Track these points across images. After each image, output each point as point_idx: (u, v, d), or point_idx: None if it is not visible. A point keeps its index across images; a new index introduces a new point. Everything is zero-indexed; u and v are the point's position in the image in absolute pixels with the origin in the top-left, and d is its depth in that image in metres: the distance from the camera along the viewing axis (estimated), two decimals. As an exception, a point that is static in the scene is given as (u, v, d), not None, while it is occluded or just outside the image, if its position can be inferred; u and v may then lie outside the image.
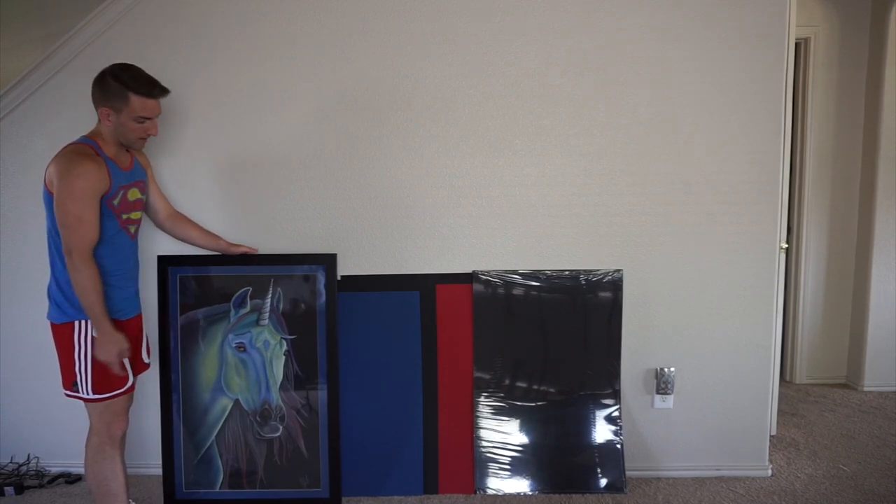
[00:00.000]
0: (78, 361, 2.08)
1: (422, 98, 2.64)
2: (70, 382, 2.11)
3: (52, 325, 2.12)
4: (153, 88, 2.11)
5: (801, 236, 3.93)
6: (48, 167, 2.05)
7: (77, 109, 2.63)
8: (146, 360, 2.37)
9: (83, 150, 2.06)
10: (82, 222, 2.00)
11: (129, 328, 2.22)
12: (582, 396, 2.71)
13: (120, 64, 2.14)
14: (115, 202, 2.10)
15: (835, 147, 3.86)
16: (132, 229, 2.23)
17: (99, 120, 2.12)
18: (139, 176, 2.26)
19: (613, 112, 2.64)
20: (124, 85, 2.06)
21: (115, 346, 2.06)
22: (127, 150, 2.22)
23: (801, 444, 3.12)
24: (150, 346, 2.42)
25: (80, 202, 1.99)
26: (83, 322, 2.08)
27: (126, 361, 2.17)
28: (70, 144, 2.10)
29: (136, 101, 2.07)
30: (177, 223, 2.50)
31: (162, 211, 2.46)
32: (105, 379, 2.11)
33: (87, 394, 2.10)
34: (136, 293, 2.29)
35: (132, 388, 2.20)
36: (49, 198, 2.05)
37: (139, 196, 2.25)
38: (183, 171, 2.67)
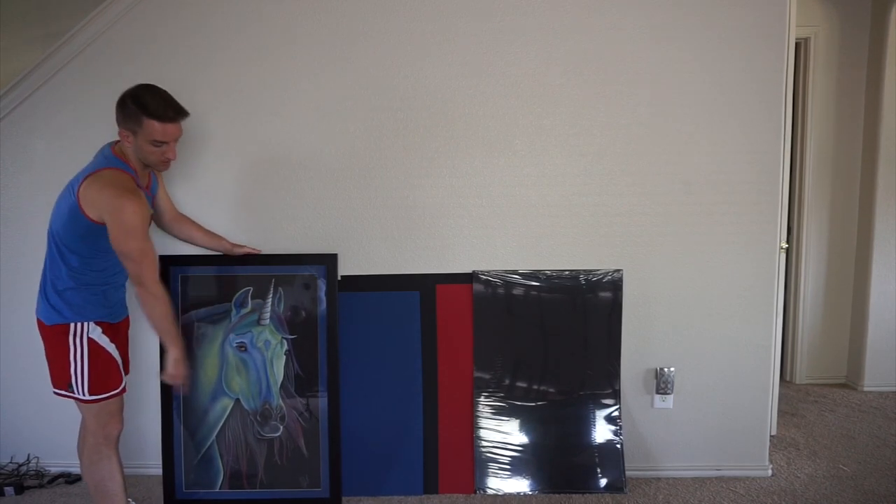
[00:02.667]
0: (74, 363, 2.07)
1: (422, 98, 2.64)
2: (64, 383, 2.10)
3: (42, 323, 2.11)
4: (167, 111, 2.06)
5: (801, 236, 3.93)
6: (86, 188, 1.97)
7: (77, 109, 2.64)
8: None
9: (127, 183, 2.03)
10: (146, 255, 2.04)
11: (122, 330, 2.25)
12: (582, 396, 2.71)
13: (143, 85, 2.10)
14: None
15: (835, 147, 3.86)
16: None
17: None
18: (154, 191, 2.31)
19: (613, 112, 2.64)
20: (139, 108, 2.03)
21: (186, 365, 2.19)
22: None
23: (801, 444, 3.12)
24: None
25: (140, 238, 2.01)
26: (79, 324, 2.08)
27: (121, 364, 2.18)
28: (110, 170, 2.04)
29: (150, 125, 2.03)
30: (180, 225, 2.51)
31: (167, 213, 2.46)
32: (101, 380, 2.10)
33: (84, 395, 2.09)
34: (124, 295, 2.30)
35: (125, 388, 2.21)
36: (74, 207, 1.99)
37: (151, 210, 2.27)
38: (183, 171, 2.67)
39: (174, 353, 2.16)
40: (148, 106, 2.03)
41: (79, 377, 2.08)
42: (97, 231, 2.00)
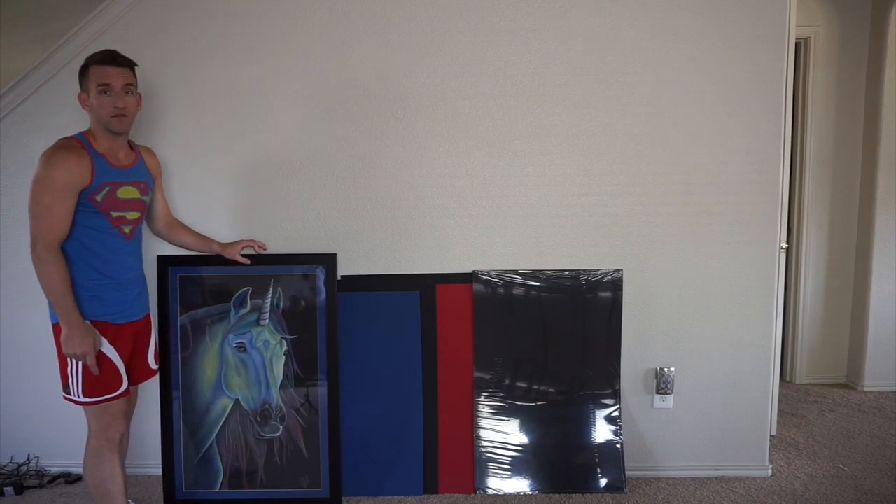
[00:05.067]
0: (70, 363, 2.05)
1: (422, 98, 2.64)
2: (64, 384, 2.09)
3: (52, 324, 2.10)
4: (108, 54, 2.09)
5: (801, 236, 3.93)
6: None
7: (77, 109, 2.62)
8: (153, 366, 2.34)
9: (68, 143, 2.06)
10: (52, 213, 1.98)
11: (126, 332, 2.17)
12: (582, 396, 2.71)
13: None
14: (99, 198, 2.04)
15: (835, 147, 3.86)
16: (126, 229, 2.15)
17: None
18: (140, 176, 2.20)
19: (613, 112, 2.64)
20: (86, 60, 2.09)
21: (83, 340, 2.01)
22: (132, 148, 2.21)
23: (801, 444, 3.12)
24: (158, 351, 2.39)
25: (53, 193, 1.97)
26: None
27: (121, 366, 2.13)
28: (59, 139, 2.10)
29: (95, 71, 2.06)
30: (173, 230, 2.48)
31: (161, 219, 2.44)
32: (95, 382, 2.07)
33: (78, 396, 2.07)
34: (139, 296, 2.24)
35: (128, 392, 2.17)
36: None
37: (136, 196, 2.17)
38: (183, 171, 2.67)
39: (64, 330, 2.01)
40: (93, 55, 2.09)
41: (73, 378, 2.06)
42: None
